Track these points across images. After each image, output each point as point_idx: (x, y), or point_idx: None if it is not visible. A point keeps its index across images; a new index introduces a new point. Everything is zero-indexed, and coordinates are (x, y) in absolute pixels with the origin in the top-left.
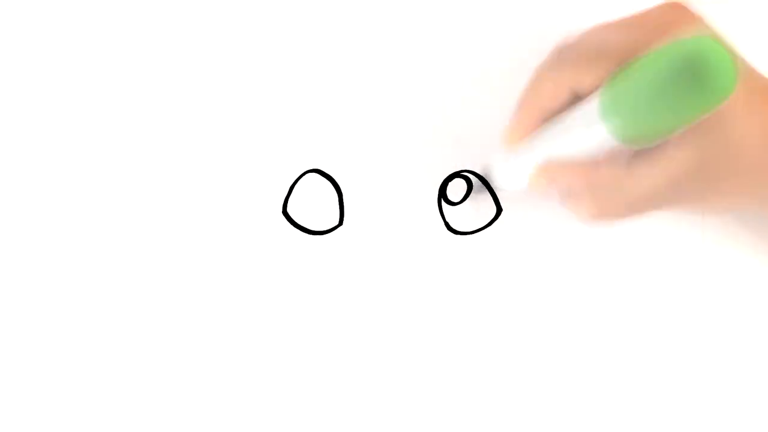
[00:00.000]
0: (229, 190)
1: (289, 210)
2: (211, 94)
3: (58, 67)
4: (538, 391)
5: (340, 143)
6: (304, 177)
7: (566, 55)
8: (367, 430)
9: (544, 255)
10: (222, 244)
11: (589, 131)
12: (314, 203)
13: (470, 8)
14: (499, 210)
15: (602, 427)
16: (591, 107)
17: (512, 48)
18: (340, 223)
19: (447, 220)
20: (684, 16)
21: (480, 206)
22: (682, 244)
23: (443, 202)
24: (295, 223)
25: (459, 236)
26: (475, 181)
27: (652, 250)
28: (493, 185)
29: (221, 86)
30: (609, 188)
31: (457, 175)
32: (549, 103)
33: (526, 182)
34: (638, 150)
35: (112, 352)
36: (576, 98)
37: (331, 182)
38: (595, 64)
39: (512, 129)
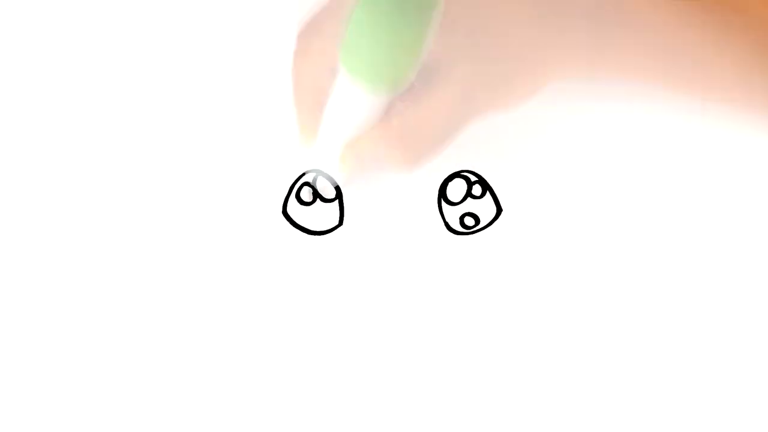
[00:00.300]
0: (229, 191)
1: (289, 210)
2: (211, 95)
3: (58, 68)
4: (539, 390)
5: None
6: (304, 177)
7: (308, 35)
8: (367, 430)
9: (544, 255)
10: (222, 244)
11: (353, 98)
12: (314, 203)
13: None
14: (499, 210)
15: (602, 427)
16: (342, 75)
17: None
18: (340, 223)
19: (447, 220)
20: None
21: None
22: (682, 244)
23: (443, 202)
24: (295, 223)
25: (459, 236)
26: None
27: (652, 251)
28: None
29: (221, 86)
30: (412, 132)
31: (457, 175)
32: (319, 94)
33: (342, 173)
34: (421, 86)
35: (112, 352)
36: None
37: (331, 182)
38: (335, 29)
39: (301, 132)
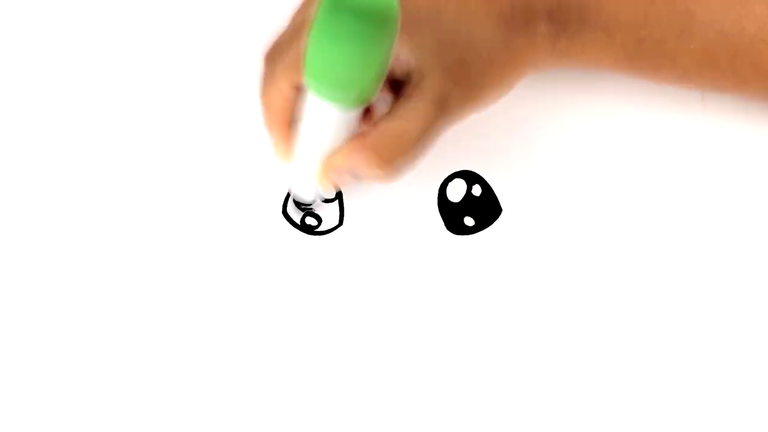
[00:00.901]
0: (228, 191)
1: (289, 210)
2: (211, 95)
3: (58, 68)
4: (539, 390)
5: None
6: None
7: (273, 58)
8: (367, 430)
9: (544, 255)
10: (222, 245)
11: (322, 115)
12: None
13: None
14: (499, 210)
15: (602, 427)
16: (308, 93)
17: None
18: (340, 223)
19: (447, 220)
20: None
21: None
22: (683, 244)
23: (443, 202)
24: (295, 223)
25: (459, 236)
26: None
27: (653, 251)
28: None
29: (221, 87)
30: (386, 144)
31: (457, 175)
32: (287, 114)
33: (320, 188)
34: (394, 100)
35: (111, 352)
36: None
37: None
38: (297, 49)
39: (277, 151)
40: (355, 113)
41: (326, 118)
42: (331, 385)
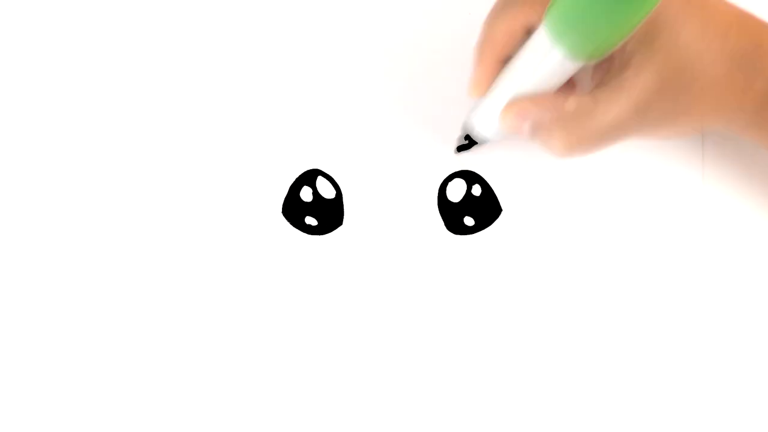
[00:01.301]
0: (228, 191)
1: (288, 210)
2: (211, 95)
3: (58, 68)
4: (538, 390)
5: (340, 143)
6: (303, 177)
7: None
8: (367, 430)
9: (544, 255)
10: (222, 245)
11: (544, 58)
12: (314, 203)
13: (468, 11)
14: (499, 210)
15: (602, 428)
16: (541, 34)
17: None
18: (340, 223)
19: (447, 220)
20: None
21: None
22: (682, 243)
23: (443, 202)
24: (295, 223)
25: (459, 236)
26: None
27: (653, 251)
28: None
29: (221, 86)
30: (577, 119)
31: (457, 175)
32: (506, 49)
33: (500, 125)
34: (601, 80)
35: (111, 352)
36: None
37: (331, 182)
38: None
39: (475, 81)
40: (575, 67)
41: (550, 63)
42: (332, 384)
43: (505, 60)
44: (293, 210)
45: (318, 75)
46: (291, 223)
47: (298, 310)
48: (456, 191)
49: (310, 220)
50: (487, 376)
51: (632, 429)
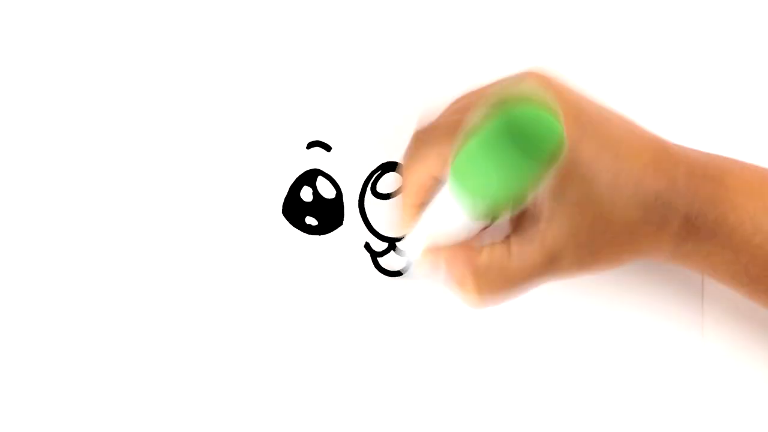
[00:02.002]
0: (228, 191)
1: (288, 210)
2: (210, 95)
3: (58, 68)
4: (538, 391)
5: (340, 143)
6: (303, 177)
7: (424, 139)
8: (365, 430)
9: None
10: (221, 245)
11: (451, 213)
12: (314, 203)
13: (472, 11)
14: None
15: (601, 427)
16: (446, 190)
17: (513, 51)
18: (340, 223)
19: None
20: (545, 85)
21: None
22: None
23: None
24: (295, 223)
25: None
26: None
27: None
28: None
29: (221, 86)
30: (490, 270)
31: None
32: (420, 196)
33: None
34: (518, 223)
35: (110, 351)
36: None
37: (331, 182)
38: (449, 144)
39: (398, 223)
40: (480, 225)
41: (454, 217)
42: (331, 385)
43: (424, 203)
44: (293, 210)
45: (319, 75)
46: (291, 223)
47: (298, 310)
48: None
49: (310, 220)
50: (485, 373)
51: (631, 428)
